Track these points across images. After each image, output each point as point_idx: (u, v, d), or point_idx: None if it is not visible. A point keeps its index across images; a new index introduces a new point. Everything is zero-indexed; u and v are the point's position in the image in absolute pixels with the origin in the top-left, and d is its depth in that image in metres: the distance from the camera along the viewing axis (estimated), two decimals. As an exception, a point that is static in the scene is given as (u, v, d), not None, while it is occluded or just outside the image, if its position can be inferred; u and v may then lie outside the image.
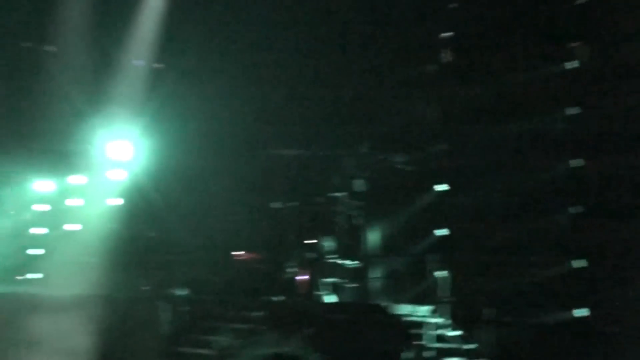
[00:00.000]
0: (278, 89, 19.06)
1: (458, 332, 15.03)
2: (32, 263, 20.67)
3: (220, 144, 18.93)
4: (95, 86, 19.46)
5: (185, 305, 16.46)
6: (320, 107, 18.51)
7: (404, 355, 14.05)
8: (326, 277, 16.50)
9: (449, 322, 15.15)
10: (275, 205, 18.85)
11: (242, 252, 19.12)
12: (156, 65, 19.85)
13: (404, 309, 15.11)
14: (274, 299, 16.47)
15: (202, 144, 18.92)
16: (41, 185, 22.04)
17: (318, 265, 16.69)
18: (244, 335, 14.72)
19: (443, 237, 16.56)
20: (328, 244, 16.95)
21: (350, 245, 17.20)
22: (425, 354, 14.40)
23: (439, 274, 15.87)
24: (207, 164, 19.10)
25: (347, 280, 16.68)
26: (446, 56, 17.49)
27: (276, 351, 1.38)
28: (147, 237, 19.75)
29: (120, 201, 19.17)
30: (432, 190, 17.06)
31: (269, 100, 19.14)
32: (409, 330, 14.56)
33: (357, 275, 16.84)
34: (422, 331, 14.72)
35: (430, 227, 16.76)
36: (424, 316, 15.04)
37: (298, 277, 16.90)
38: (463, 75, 17.02)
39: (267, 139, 18.92)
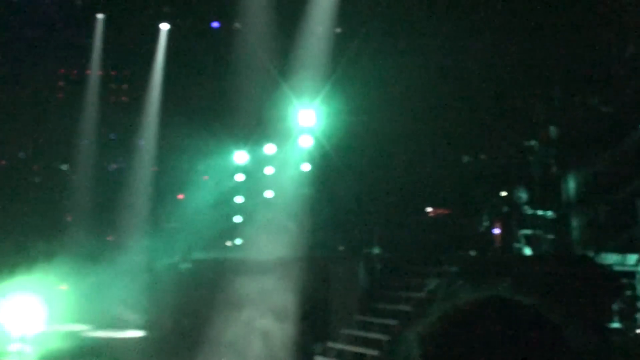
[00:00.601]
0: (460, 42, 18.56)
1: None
2: (236, 229, 22.05)
3: (407, 105, 18.84)
4: (283, 56, 20.21)
5: (381, 263, 16.66)
6: (508, 55, 17.65)
7: (615, 306, 13.16)
8: (522, 229, 15.87)
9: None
10: (466, 158, 18.45)
11: (434, 209, 18.96)
12: (338, 30, 20.15)
13: (611, 258, 14.10)
14: (470, 253, 16.17)
15: (387, 106, 18.96)
16: (240, 156, 23.39)
17: (513, 217, 16.08)
18: (442, 288, 14.61)
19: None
20: (522, 195, 16.27)
21: (546, 195, 16.37)
22: (639, 304, 13.41)
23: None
24: (397, 123, 19.11)
25: (544, 232, 15.91)
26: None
27: (489, 294, 1.27)
28: (339, 200, 20.23)
29: (311, 167, 19.76)
30: (637, 129, 15.67)
31: (452, 55, 18.67)
32: (619, 281, 13.60)
33: (555, 225, 16.00)
34: (633, 281, 13.69)
35: (637, 170, 15.40)
36: (634, 265, 13.95)
37: (493, 230, 16.44)
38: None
39: (452, 93, 18.50)
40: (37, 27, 27.69)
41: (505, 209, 16.42)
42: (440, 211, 18.49)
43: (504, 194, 16.83)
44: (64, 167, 31.34)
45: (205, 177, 29.13)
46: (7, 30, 27.25)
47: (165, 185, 28.67)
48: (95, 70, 30.38)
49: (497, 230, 16.42)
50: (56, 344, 21.02)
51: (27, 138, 32.33)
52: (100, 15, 26.61)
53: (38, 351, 18.97)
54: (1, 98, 29.05)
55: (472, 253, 15.79)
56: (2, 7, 26.50)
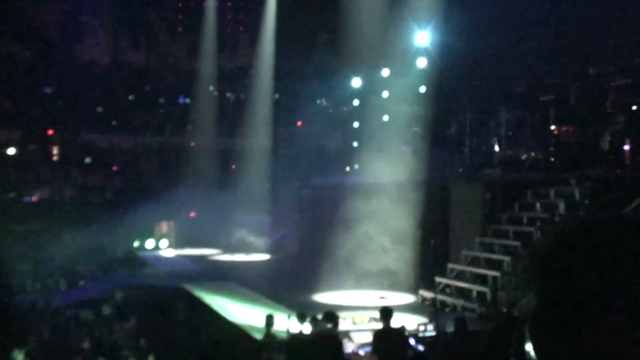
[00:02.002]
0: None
1: None
2: (354, 154, 22.16)
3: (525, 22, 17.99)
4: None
5: (503, 184, 16.25)
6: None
7: None
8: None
9: None
10: (592, 71, 17.40)
11: (558, 126, 18.14)
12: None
13: None
14: (597, 171, 15.38)
15: (505, 24, 18.18)
16: (356, 81, 23.27)
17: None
18: (566, 207, 14.12)
19: None
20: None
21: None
22: None
23: None
24: (515, 40, 18.34)
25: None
26: None
27: (615, 213, 1.18)
28: (456, 121, 19.80)
29: (426, 88, 19.34)
30: None
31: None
32: None
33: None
34: None
35: None
36: None
37: (624, 147, 15.53)
38: None
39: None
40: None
41: (636, 124, 15.43)
42: (565, 129, 17.63)
43: (634, 107, 15.79)
44: (188, 100, 32.43)
45: (323, 103, 29.36)
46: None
47: (285, 113, 29.17)
48: (211, 1, 30.90)
49: (627, 147, 15.50)
50: (186, 267, 22.32)
51: (150, 72, 33.61)
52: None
53: (170, 272, 20.23)
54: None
55: (599, 171, 14.99)
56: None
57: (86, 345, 9.34)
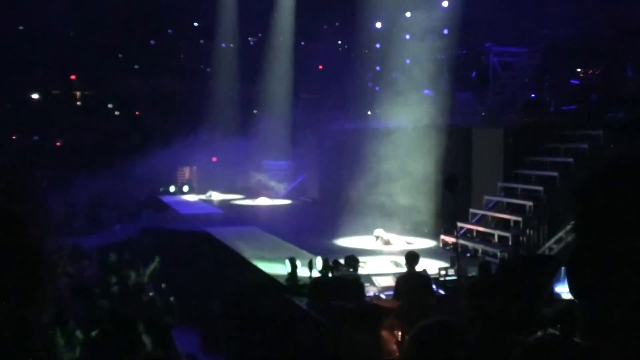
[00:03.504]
0: None
1: None
2: (375, 98, 21.93)
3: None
4: None
5: (525, 128, 16.06)
6: None
7: None
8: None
9: None
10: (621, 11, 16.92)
11: (582, 69, 17.81)
12: None
13: None
14: (619, 114, 15.14)
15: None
16: (377, 23, 22.87)
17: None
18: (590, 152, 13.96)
19: None
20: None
21: None
22: None
23: None
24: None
25: None
26: None
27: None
28: (479, 64, 19.49)
29: (448, 31, 18.96)
30: None
31: None
32: None
33: None
34: None
35: None
36: None
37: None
38: None
39: None
40: None
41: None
42: (590, 71, 17.29)
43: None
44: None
45: (345, 46, 28.94)
46: None
47: (305, 56, 28.87)
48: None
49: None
50: (208, 212, 22.56)
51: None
52: None
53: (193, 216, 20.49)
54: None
55: (621, 114, 14.73)
56: None
57: (114, 288, 9.55)
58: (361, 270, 10.87)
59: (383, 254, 13.91)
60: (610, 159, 1.18)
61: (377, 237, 14.29)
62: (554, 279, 5.83)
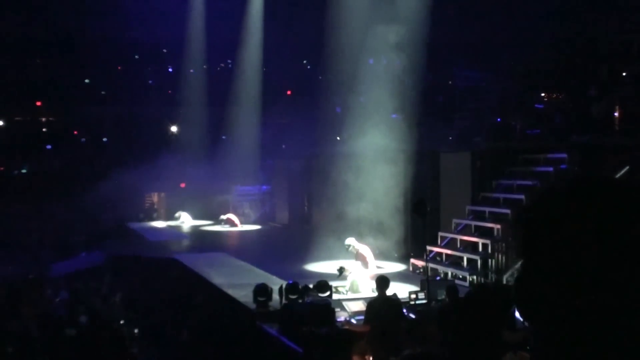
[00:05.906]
0: None
1: None
2: (342, 123, 21.99)
3: None
4: None
5: (492, 153, 16.26)
6: None
7: None
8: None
9: None
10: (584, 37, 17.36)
11: (547, 94, 18.15)
12: None
13: None
14: (585, 138, 15.44)
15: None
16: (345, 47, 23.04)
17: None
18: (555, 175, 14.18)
19: None
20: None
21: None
22: None
23: None
24: None
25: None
26: None
27: (601, 177, 1.18)
28: (447, 87, 19.73)
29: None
30: None
31: None
32: None
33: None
34: None
35: None
36: None
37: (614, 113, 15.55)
38: None
39: None
40: None
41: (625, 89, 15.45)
42: (555, 95, 17.64)
43: (624, 74, 15.81)
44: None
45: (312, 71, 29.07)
46: None
47: (273, 82, 28.94)
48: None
49: (616, 114, 15.54)
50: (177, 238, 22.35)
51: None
52: None
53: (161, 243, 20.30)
54: None
55: (587, 138, 15.02)
56: None
57: (83, 319, 9.35)
58: (342, 283, 10.92)
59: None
60: (550, 186, 1.21)
61: (349, 246, 14.16)
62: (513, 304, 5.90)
